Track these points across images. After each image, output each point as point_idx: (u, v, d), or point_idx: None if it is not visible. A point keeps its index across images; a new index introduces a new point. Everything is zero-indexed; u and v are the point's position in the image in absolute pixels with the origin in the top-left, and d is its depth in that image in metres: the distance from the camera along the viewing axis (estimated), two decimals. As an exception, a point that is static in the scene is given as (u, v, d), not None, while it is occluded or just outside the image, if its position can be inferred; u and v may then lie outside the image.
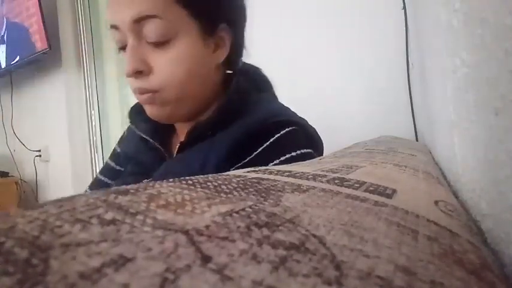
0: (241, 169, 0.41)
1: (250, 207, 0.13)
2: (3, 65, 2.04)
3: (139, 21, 0.43)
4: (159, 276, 0.07)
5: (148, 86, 0.45)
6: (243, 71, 0.55)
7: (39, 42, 1.80)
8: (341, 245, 0.11)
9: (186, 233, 0.09)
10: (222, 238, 0.10)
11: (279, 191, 0.16)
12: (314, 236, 0.11)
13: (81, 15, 2.00)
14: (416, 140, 0.92)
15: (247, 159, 0.44)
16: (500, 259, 0.18)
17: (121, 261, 0.07)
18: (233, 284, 0.07)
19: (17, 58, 1.94)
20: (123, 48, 0.47)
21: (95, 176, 0.65)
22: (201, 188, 0.14)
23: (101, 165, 0.65)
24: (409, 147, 0.51)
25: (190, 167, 0.45)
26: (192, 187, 0.14)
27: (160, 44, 0.44)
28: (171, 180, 0.15)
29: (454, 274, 0.11)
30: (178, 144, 0.51)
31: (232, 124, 0.48)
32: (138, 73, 0.45)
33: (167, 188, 0.13)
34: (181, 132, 0.55)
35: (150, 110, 0.48)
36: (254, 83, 0.56)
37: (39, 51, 1.81)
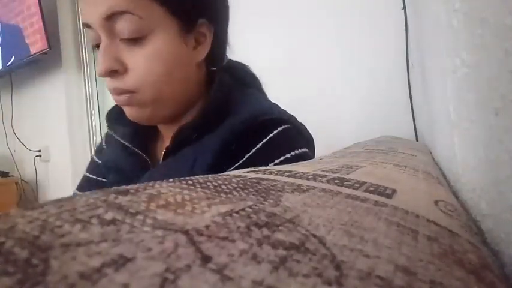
0: (240, 169, 0.41)
1: (250, 207, 0.13)
2: (0, 67, 2.04)
3: (110, 18, 0.41)
4: (159, 276, 0.07)
5: (124, 86, 0.43)
6: (227, 68, 0.53)
7: (39, 43, 1.80)
8: (341, 245, 0.11)
9: (186, 233, 0.09)
10: (222, 238, 0.10)
11: (279, 191, 0.16)
12: (314, 236, 0.11)
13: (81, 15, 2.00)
14: (416, 140, 0.92)
15: (241, 161, 0.43)
16: (500, 259, 0.18)
17: (121, 261, 0.07)
18: (233, 284, 0.07)
19: (12, 59, 1.95)
20: (97, 46, 0.44)
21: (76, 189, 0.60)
22: (201, 188, 0.14)
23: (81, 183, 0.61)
24: (409, 147, 0.51)
25: (178, 174, 0.42)
26: (192, 187, 0.14)
27: (135, 41, 0.42)
28: (171, 180, 0.15)
29: (454, 274, 0.11)
30: (164, 150, 0.48)
31: (219, 125, 0.45)
32: (112, 72, 0.42)
33: (167, 188, 0.13)
34: (167, 135, 0.52)
35: (129, 112, 0.46)
36: (239, 79, 0.54)
37: (39, 52, 1.81)
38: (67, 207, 0.10)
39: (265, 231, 0.11)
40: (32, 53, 1.84)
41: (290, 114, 0.50)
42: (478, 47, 0.19)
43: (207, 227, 0.10)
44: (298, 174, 0.20)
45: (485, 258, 0.14)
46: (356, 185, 0.19)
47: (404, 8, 0.94)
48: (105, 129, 2.04)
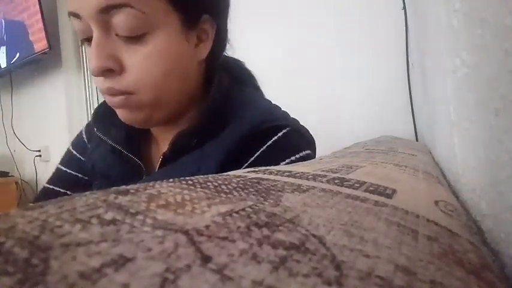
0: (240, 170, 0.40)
1: (250, 207, 0.13)
2: (4, 65, 2.05)
3: (106, 10, 0.36)
4: (159, 276, 0.07)
5: (121, 87, 0.38)
6: (223, 65, 0.50)
7: (39, 42, 1.80)
8: (341, 245, 0.11)
9: (186, 233, 0.09)
10: (222, 238, 0.10)
11: (279, 191, 0.16)
12: (314, 236, 0.11)
13: (81, 15, 2.00)
14: (416, 140, 0.92)
15: (245, 165, 0.41)
16: (500, 259, 0.18)
17: (121, 261, 0.07)
18: (233, 284, 0.07)
19: (17, 55, 1.95)
20: (86, 40, 0.39)
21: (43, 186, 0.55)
22: (201, 188, 0.14)
23: (43, 187, 0.55)
24: (409, 147, 0.51)
25: None
26: (192, 187, 0.14)
27: (134, 38, 0.37)
28: (171, 180, 0.15)
29: (454, 274, 0.11)
30: (161, 157, 0.44)
31: (223, 131, 0.43)
32: (107, 72, 0.38)
33: (167, 188, 0.13)
34: (162, 139, 0.49)
35: (123, 114, 0.41)
36: (236, 77, 0.51)
37: (39, 51, 1.81)
38: (67, 207, 0.10)
39: (265, 231, 0.11)
40: (35, 51, 1.84)
41: (292, 117, 0.49)
42: (478, 47, 0.19)
43: (207, 227, 0.10)
44: (298, 174, 0.20)
45: (485, 258, 0.14)
46: (356, 185, 0.19)
47: (404, 8, 0.94)
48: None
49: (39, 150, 2.08)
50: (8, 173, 2.15)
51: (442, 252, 0.12)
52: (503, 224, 0.17)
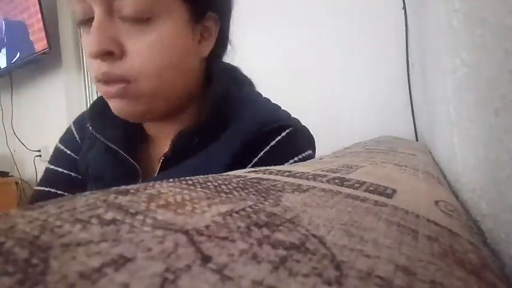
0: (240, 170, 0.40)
1: (250, 207, 0.13)
2: (4, 65, 2.05)
3: None
4: (159, 276, 0.07)
5: (120, 72, 0.36)
6: (223, 69, 0.49)
7: (39, 42, 1.80)
8: (341, 245, 0.11)
9: (186, 233, 0.09)
10: (222, 238, 0.10)
11: (279, 191, 0.16)
12: (314, 236, 0.11)
13: (81, 15, 2.00)
14: (416, 140, 0.92)
15: (248, 166, 0.41)
16: (500, 259, 0.18)
17: (121, 261, 0.07)
18: (233, 284, 0.07)
19: (17, 55, 1.95)
20: (85, 21, 0.37)
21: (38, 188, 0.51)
22: (201, 188, 0.14)
23: (35, 189, 0.52)
24: (409, 147, 0.51)
25: None
26: (192, 187, 0.14)
27: (139, 22, 0.36)
28: (171, 180, 0.15)
29: (454, 274, 0.11)
30: (162, 158, 0.43)
31: (224, 131, 0.42)
32: (106, 55, 0.36)
33: (167, 188, 0.13)
34: (159, 140, 0.47)
35: (118, 106, 0.39)
36: (235, 79, 0.51)
37: (39, 51, 1.81)
38: (67, 207, 0.10)
39: (265, 231, 0.11)
40: (35, 51, 1.84)
41: (293, 117, 0.49)
42: (478, 47, 0.19)
43: (207, 227, 0.10)
44: (298, 174, 0.20)
45: (485, 258, 0.14)
46: (356, 184, 0.19)
47: (404, 8, 0.94)
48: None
49: (39, 150, 2.08)
50: (8, 173, 2.15)
51: (442, 252, 0.12)
52: (503, 224, 0.17)
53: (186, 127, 0.42)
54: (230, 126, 0.43)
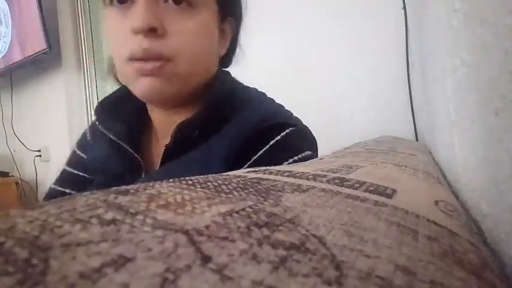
0: (240, 169, 0.40)
1: (250, 207, 0.13)
2: (4, 65, 2.05)
3: None
4: (159, 276, 0.07)
5: (161, 49, 0.38)
6: (224, 71, 0.51)
7: (39, 42, 1.80)
8: (341, 245, 0.11)
9: (186, 233, 0.09)
10: (222, 238, 0.10)
11: (279, 191, 0.16)
12: (314, 236, 0.11)
13: (81, 15, 2.01)
14: (416, 140, 0.92)
15: (247, 163, 0.41)
16: (500, 259, 0.18)
17: (121, 261, 0.07)
18: (233, 284, 0.07)
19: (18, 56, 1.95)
20: (121, 0, 0.39)
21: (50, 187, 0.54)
22: (201, 188, 0.14)
23: (49, 188, 0.56)
24: (409, 147, 0.51)
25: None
26: (192, 187, 0.14)
27: (182, 7, 0.39)
28: (171, 180, 0.15)
29: (454, 274, 0.11)
30: (164, 148, 0.44)
31: (224, 125, 0.43)
32: (150, 31, 0.38)
33: (167, 188, 0.13)
34: (162, 135, 0.48)
35: (150, 84, 0.40)
36: (241, 84, 0.53)
37: (39, 51, 1.81)
38: (67, 207, 0.10)
39: (265, 231, 0.11)
40: (35, 51, 1.84)
41: (295, 116, 0.49)
42: (478, 47, 0.19)
43: (207, 227, 0.10)
44: (298, 174, 0.20)
45: (485, 258, 0.14)
46: (356, 185, 0.19)
47: (404, 8, 0.94)
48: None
49: (39, 150, 2.08)
50: (8, 173, 2.15)
51: (442, 252, 0.12)
52: (503, 224, 0.17)
53: (187, 119, 0.43)
54: (231, 120, 0.44)
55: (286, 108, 0.50)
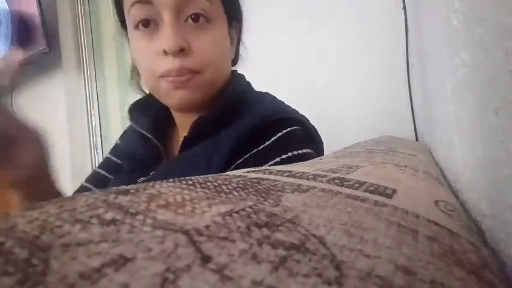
0: (241, 167, 0.42)
1: (250, 207, 0.13)
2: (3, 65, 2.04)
3: None
4: (159, 276, 0.07)
5: (191, 65, 0.44)
6: (238, 73, 0.57)
7: (39, 42, 1.80)
8: (341, 245, 0.11)
9: (186, 233, 0.09)
10: (222, 238, 0.10)
11: (279, 191, 0.16)
12: (314, 236, 0.11)
13: (81, 15, 2.00)
14: (416, 140, 0.92)
15: (248, 154, 0.44)
16: (500, 259, 0.18)
17: (121, 261, 0.07)
18: (233, 284, 0.07)
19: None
20: (146, 25, 0.45)
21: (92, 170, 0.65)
22: (201, 188, 0.14)
23: (92, 171, 0.66)
24: (409, 147, 0.51)
25: (197, 166, 0.45)
26: (192, 187, 0.14)
27: (200, 24, 0.44)
28: (171, 180, 0.15)
29: (454, 274, 0.11)
30: (182, 139, 0.50)
31: (236, 121, 0.47)
32: (180, 51, 0.43)
33: (167, 188, 0.13)
34: (183, 127, 0.54)
35: (184, 95, 0.46)
36: (249, 82, 0.58)
37: (39, 51, 1.81)
38: (67, 207, 0.10)
39: (265, 231, 0.11)
40: (35, 51, 1.83)
41: (302, 115, 0.52)
42: (478, 46, 0.19)
43: (207, 227, 0.10)
44: (298, 174, 0.20)
45: (485, 258, 0.14)
46: (356, 185, 0.19)
47: (404, 8, 0.94)
48: (104, 130, 2.03)
49: (39, 150, 2.08)
50: (8, 173, 2.14)
51: (442, 252, 0.12)
52: (503, 224, 0.17)
53: (204, 115, 0.48)
54: (242, 116, 0.48)
55: (292, 107, 0.54)
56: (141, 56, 0.47)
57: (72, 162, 1.91)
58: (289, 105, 0.54)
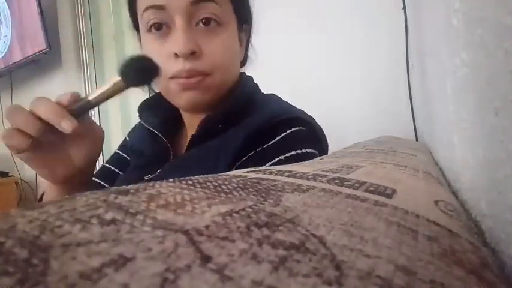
0: (244, 166, 0.42)
1: (250, 207, 0.13)
2: (4, 65, 2.05)
3: (197, 3, 0.44)
4: (159, 276, 0.07)
5: (201, 68, 0.45)
6: (246, 75, 0.58)
7: (39, 42, 1.80)
8: (341, 245, 0.11)
9: (186, 233, 0.09)
10: (222, 238, 0.10)
11: (279, 191, 0.16)
12: (314, 236, 0.11)
13: (81, 15, 2.00)
14: (416, 140, 0.92)
15: (252, 153, 0.45)
16: (500, 259, 0.18)
17: (121, 261, 0.07)
18: (233, 284, 0.07)
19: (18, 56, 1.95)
20: (159, 28, 0.46)
21: (101, 165, 0.66)
22: (201, 188, 0.14)
23: (101, 166, 0.67)
24: (409, 147, 0.51)
25: (204, 165, 0.45)
26: (192, 187, 0.14)
27: (211, 28, 0.46)
28: (171, 180, 0.15)
29: (454, 274, 0.11)
30: (190, 137, 0.51)
31: (243, 120, 0.48)
32: (190, 54, 0.45)
33: (167, 188, 0.13)
34: (191, 126, 0.55)
35: (192, 97, 0.47)
36: (256, 84, 0.59)
37: (39, 51, 1.81)
38: (67, 207, 0.10)
39: (265, 231, 0.11)
40: (35, 51, 1.83)
41: (309, 116, 0.53)
42: (478, 47, 0.19)
43: (207, 227, 0.10)
44: (298, 174, 0.20)
45: (485, 258, 0.14)
46: (356, 185, 0.19)
47: (404, 8, 0.94)
48: (104, 130, 2.03)
49: (39, 150, 2.08)
50: (8, 173, 2.14)
51: (442, 252, 0.12)
52: (503, 224, 0.17)
53: (211, 114, 0.49)
54: (249, 116, 0.49)
55: (298, 108, 0.55)
56: (153, 57, 0.48)
57: (72, 162, 1.91)
58: (294, 105, 0.55)
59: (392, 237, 0.12)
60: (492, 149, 0.18)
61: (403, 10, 0.94)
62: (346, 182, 0.19)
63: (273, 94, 0.58)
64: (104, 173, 0.63)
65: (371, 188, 0.19)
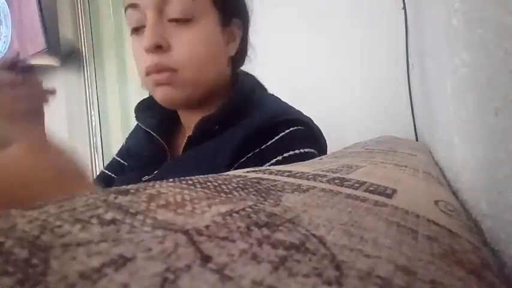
0: (243, 166, 0.42)
1: (250, 207, 0.13)
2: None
3: None
4: (159, 276, 0.07)
5: (168, 63, 0.45)
6: (246, 73, 0.57)
7: (39, 42, 1.80)
8: (341, 245, 0.11)
9: (186, 233, 0.09)
10: (222, 238, 0.10)
11: (279, 191, 0.16)
12: (314, 236, 0.11)
13: (81, 15, 2.00)
14: (416, 140, 0.92)
15: (250, 153, 0.45)
16: (500, 259, 0.18)
17: (121, 261, 0.07)
18: (233, 284, 0.07)
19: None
20: (138, 29, 0.47)
21: (97, 173, 0.66)
22: (201, 188, 0.14)
23: (101, 166, 0.69)
24: (409, 147, 0.51)
25: (201, 166, 0.45)
26: (192, 187, 0.14)
27: (183, 22, 0.45)
28: (171, 180, 0.15)
29: (454, 274, 0.11)
30: (186, 139, 0.50)
31: (240, 121, 0.47)
32: (157, 48, 0.45)
33: (167, 188, 0.13)
34: (188, 126, 0.55)
35: (163, 92, 0.47)
36: (257, 84, 0.58)
37: (39, 51, 1.81)
38: (67, 207, 0.10)
39: (265, 231, 0.11)
40: (35, 51, 1.83)
41: (307, 116, 0.52)
42: (478, 47, 0.19)
43: (207, 227, 0.10)
44: (298, 174, 0.20)
45: (485, 258, 0.14)
46: (356, 185, 0.19)
47: (404, 8, 0.94)
48: (104, 130, 2.03)
49: (39, 150, 2.08)
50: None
51: (442, 252, 0.12)
52: (503, 224, 0.17)
53: (208, 114, 0.49)
54: (247, 117, 0.48)
55: (296, 109, 0.54)
56: (135, 57, 0.49)
57: (72, 162, 1.91)
58: (293, 106, 0.54)
59: (392, 237, 0.12)
60: (492, 149, 0.18)
61: (403, 10, 0.94)
62: (346, 182, 0.19)
63: (271, 94, 0.58)
64: (101, 178, 0.62)
65: (371, 188, 0.19)
